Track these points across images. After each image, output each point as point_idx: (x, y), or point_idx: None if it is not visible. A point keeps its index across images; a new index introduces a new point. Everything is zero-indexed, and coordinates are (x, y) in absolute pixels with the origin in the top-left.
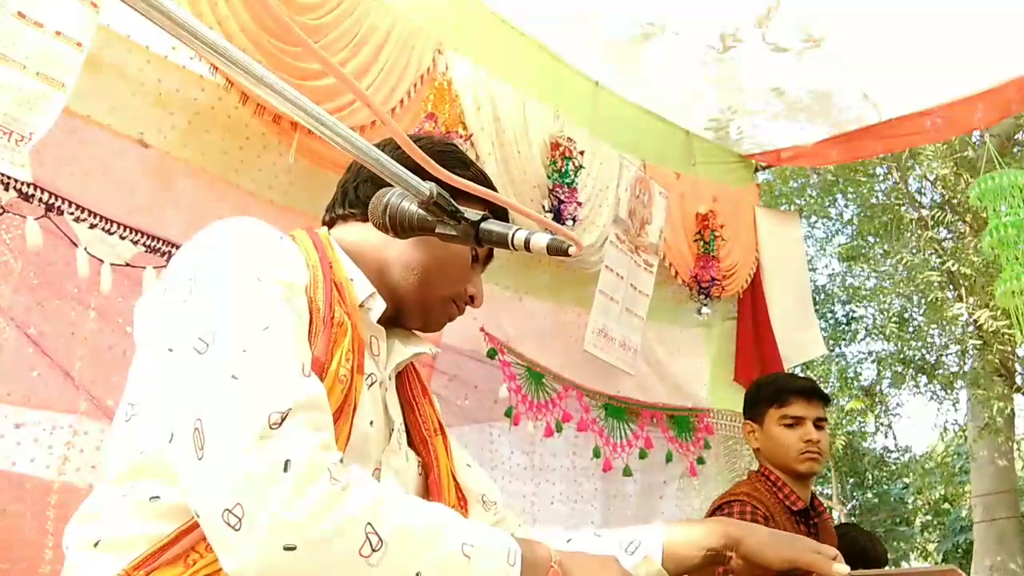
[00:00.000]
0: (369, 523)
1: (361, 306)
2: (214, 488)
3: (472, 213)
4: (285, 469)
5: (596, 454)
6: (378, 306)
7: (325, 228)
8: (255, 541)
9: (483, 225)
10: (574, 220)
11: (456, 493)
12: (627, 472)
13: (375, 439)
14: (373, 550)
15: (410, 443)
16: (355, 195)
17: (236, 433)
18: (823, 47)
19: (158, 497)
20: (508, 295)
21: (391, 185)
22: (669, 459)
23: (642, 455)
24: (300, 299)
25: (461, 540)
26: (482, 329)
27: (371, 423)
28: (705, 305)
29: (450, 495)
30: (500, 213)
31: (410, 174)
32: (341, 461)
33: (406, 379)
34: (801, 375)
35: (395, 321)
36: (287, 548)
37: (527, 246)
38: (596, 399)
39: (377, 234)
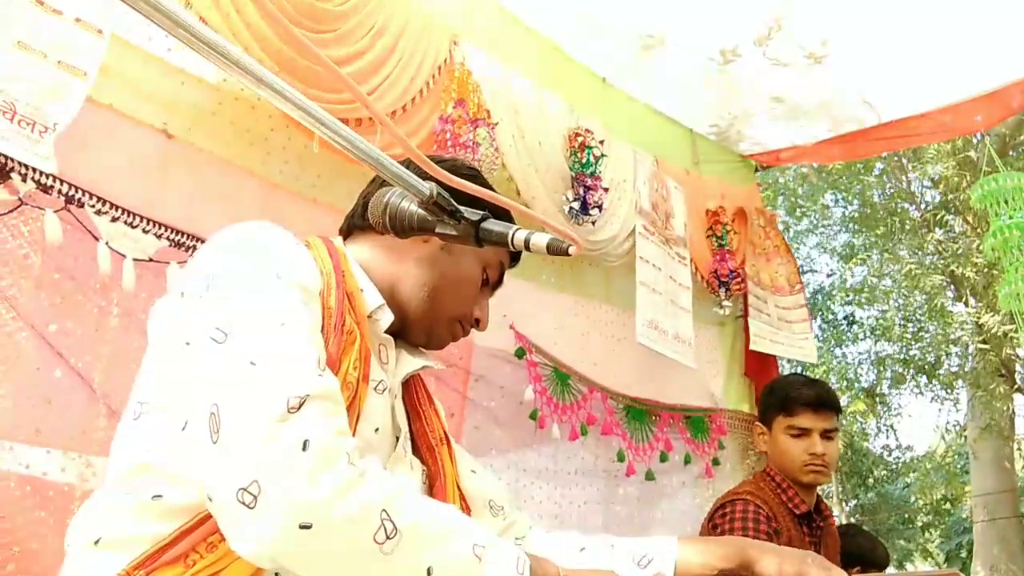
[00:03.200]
0: (384, 510)
1: (369, 317)
2: (229, 468)
3: (472, 213)
4: (304, 449)
5: (620, 457)
6: (386, 317)
7: (340, 238)
8: (271, 518)
9: (483, 224)
10: (600, 208)
11: (461, 503)
12: (650, 476)
13: (380, 446)
14: (388, 537)
15: (415, 451)
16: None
17: (254, 415)
18: (824, 63)
19: (161, 496)
20: (535, 288)
21: (391, 187)
22: (688, 461)
23: (663, 458)
24: (315, 302)
25: (473, 541)
26: (512, 327)
27: (376, 430)
28: (726, 299)
29: (455, 504)
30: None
31: (410, 174)
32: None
33: (413, 389)
34: (813, 379)
35: (400, 336)
36: (303, 526)
37: (527, 245)
38: (619, 400)
39: (391, 248)
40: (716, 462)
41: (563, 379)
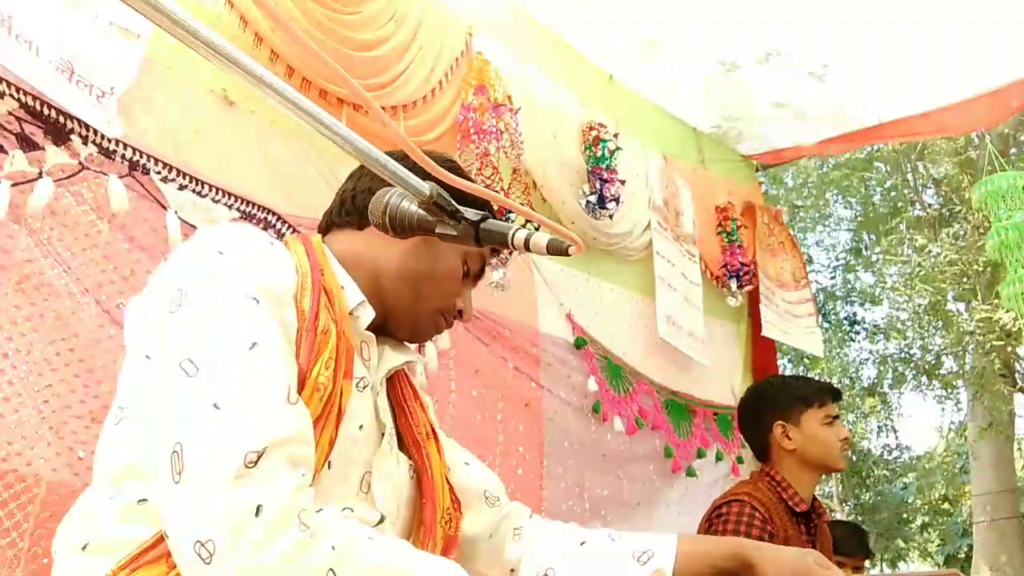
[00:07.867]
0: (331, 569)
1: (351, 313)
2: (188, 519)
3: (472, 213)
4: (257, 514)
5: (668, 453)
6: (367, 314)
7: (319, 235)
8: None
9: (483, 225)
10: (617, 201)
11: (450, 496)
12: (691, 472)
13: (365, 443)
14: None
15: (402, 447)
16: (352, 204)
17: (213, 469)
18: (824, 80)
19: (146, 500)
20: (586, 278)
21: (390, 188)
22: (719, 458)
23: (700, 454)
24: (288, 308)
25: None
26: (568, 316)
27: (360, 427)
28: (737, 293)
29: (444, 497)
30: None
31: (410, 174)
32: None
33: (397, 384)
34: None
35: (383, 330)
36: None
37: (527, 245)
38: (662, 394)
39: (371, 243)
40: (740, 460)
41: (616, 371)
